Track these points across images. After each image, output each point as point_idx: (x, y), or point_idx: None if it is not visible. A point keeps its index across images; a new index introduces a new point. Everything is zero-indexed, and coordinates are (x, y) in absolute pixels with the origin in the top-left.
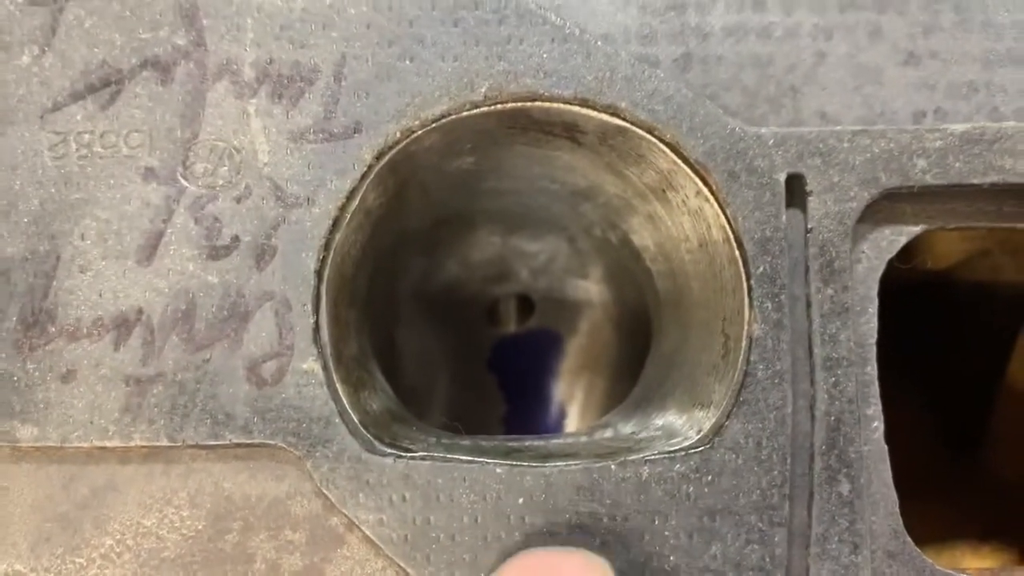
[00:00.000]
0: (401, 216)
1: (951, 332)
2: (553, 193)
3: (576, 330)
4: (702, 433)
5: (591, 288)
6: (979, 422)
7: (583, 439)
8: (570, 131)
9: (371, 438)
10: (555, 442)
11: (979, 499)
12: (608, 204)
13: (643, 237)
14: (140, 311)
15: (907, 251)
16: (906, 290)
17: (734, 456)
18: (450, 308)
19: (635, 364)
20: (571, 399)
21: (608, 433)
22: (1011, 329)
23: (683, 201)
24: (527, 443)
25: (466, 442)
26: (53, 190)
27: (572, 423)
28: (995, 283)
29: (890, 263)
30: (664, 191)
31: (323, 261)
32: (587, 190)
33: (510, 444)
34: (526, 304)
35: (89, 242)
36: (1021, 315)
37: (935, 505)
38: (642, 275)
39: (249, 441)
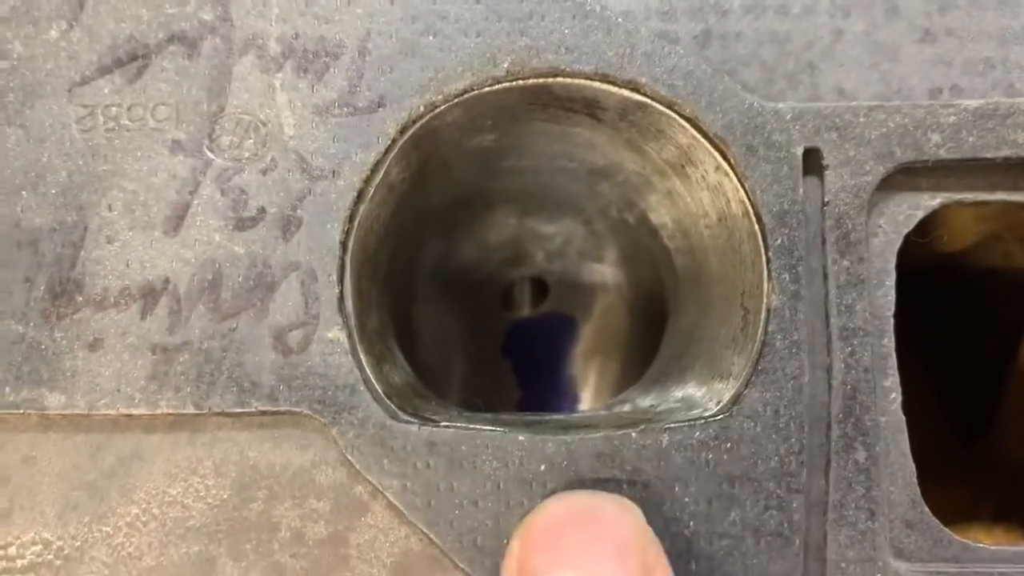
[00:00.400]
0: (422, 193)
1: (962, 316)
2: (571, 172)
3: (590, 313)
4: (721, 404)
5: (606, 271)
6: (989, 405)
7: (602, 412)
8: (590, 107)
9: (395, 407)
10: (575, 416)
11: (990, 481)
12: (627, 182)
13: (661, 215)
14: (167, 280)
15: (924, 226)
16: (918, 272)
17: (753, 424)
18: (466, 290)
19: (648, 347)
20: (585, 383)
21: (627, 407)
22: (1021, 315)
23: (702, 176)
24: (547, 417)
25: (487, 415)
26: (81, 162)
27: (586, 407)
28: (1006, 269)
29: (907, 238)
30: (683, 166)
31: (348, 233)
32: (606, 168)
33: (529, 418)
34: (540, 288)
35: (116, 213)
36: None
37: (946, 487)
38: (659, 254)
39: (275, 409)
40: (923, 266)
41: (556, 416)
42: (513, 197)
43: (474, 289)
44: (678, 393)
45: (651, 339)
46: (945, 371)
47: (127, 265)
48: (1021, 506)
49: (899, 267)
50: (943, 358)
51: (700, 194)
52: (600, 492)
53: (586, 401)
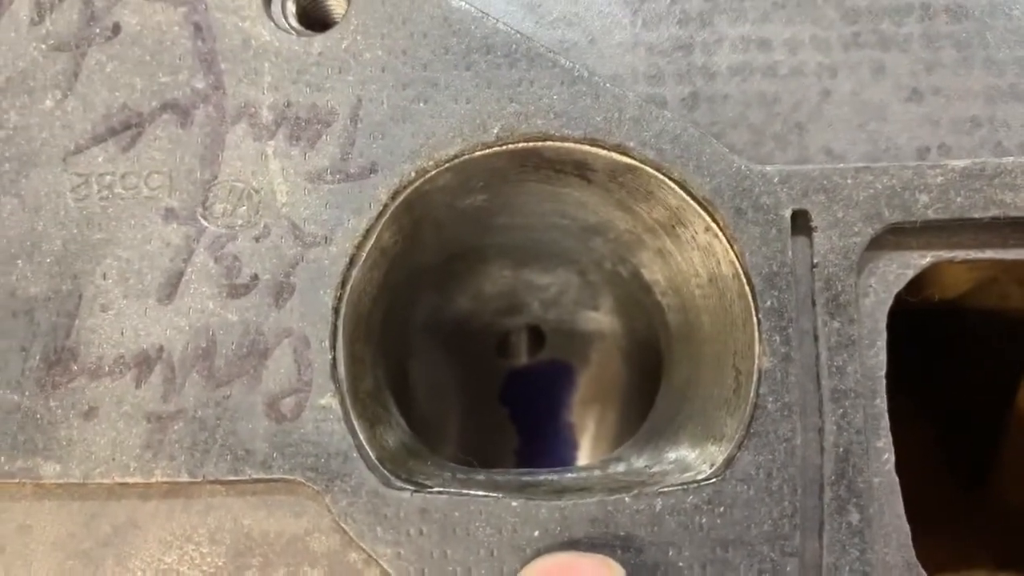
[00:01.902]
0: (415, 252)
1: (960, 361)
2: (564, 228)
3: (587, 361)
4: (715, 467)
5: (602, 320)
6: (989, 452)
7: (596, 473)
8: (580, 169)
9: (388, 473)
10: (569, 476)
11: (991, 529)
12: (618, 239)
13: (653, 272)
14: (161, 349)
15: (916, 284)
16: (916, 319)
17: (746, 487)
18: (462, 341)
19: (646, 395)
20: (583, 430)
21: (621, 467)
22: (1020, 357)
23: (692, 237)
24: (540, 477)
25: (480, 476)
26: (75, 230)
27: (584, 454)
28: (1004, 311)
29: (898, 296)
30: (674, 227)
31: (340, 298)
32: (597, 226)
33: (524, 479)
34: (537, 336)
35: (111, 281)
36: None
37: (947, 536)
38: (653, 309)
39: (269, 476)
40: (919, 312)
41: (550, 477)
42: (507, 251)
43: (470, 339)
44: (672, 454)
45: (648, 388)
46: (946, 415)
47: (122, 333)
48: (1022, 553)
49: (894, 315)
50: (943, 402)
51: (691, 254)
52: (585, 553)
53: (585, 448)
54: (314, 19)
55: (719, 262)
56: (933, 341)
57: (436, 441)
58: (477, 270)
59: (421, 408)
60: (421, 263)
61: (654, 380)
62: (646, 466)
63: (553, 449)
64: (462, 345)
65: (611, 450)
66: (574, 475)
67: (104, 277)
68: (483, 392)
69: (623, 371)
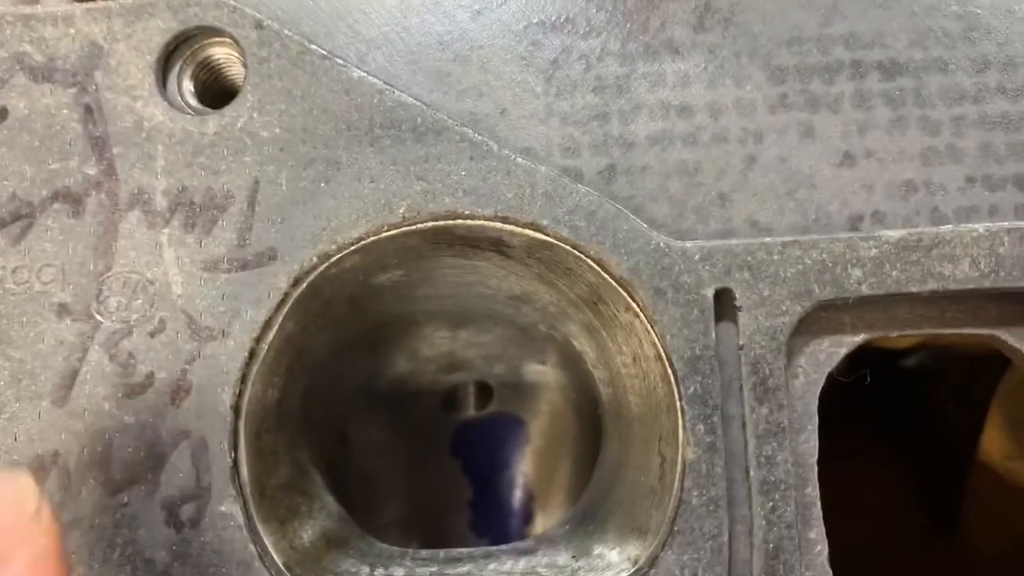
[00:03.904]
0: (331, 329)
1: (927, 401)
2: (490, 296)
3: (537, 412)
4: (638, 565)
5: (548, 372)
6: (957, 495)
7: (521, 564)
8: (496, 245)
9: None
10: (490, 568)
11: (959, 574)
12: (545, 310)
13: (582, 343)
14: (56, 454)
15: (853, 355)
16: (879, 358)
17: None
18: (404, 400)
19: (597, 446)
20: (538, 480)
21: (546, 559)
22: (985, 396)
23: (614, 315)
24: (463, 569)
25: (400, 572)
26: None
27: (539, 504)
28: (967, 348)
29: (830, 376)
30: (596, 303)
31: (240, 395)
32: (523, 296)
33: (446, 572)
34: (484, 389)
35: (3, 383)
36: (994, 380)
37: None
38: (589, 376)
39: None
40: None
41: (471, 570)
42: (438, 316)
43: (413, 398)
44: (597, 548)
45: (599, 440)
46: (914, 457)
47: (15, 439)
48: None
49: (861, 357)
50: (912, 444)
51: (615, 331)
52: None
53: (541, 497)
54: (216, 92)
55: (641, 342)
56: (899, 381)
57: (381, 500)
58: (411, 332)
59: (365, 470)
60: (344, 336)
61: (601, 436)
62: (573, 557)
63: (508, 500)
64: (405, 403)
65: (567, 500)
66: (496, 566)
67: None
68: (432, 446)
69: (574, 423)
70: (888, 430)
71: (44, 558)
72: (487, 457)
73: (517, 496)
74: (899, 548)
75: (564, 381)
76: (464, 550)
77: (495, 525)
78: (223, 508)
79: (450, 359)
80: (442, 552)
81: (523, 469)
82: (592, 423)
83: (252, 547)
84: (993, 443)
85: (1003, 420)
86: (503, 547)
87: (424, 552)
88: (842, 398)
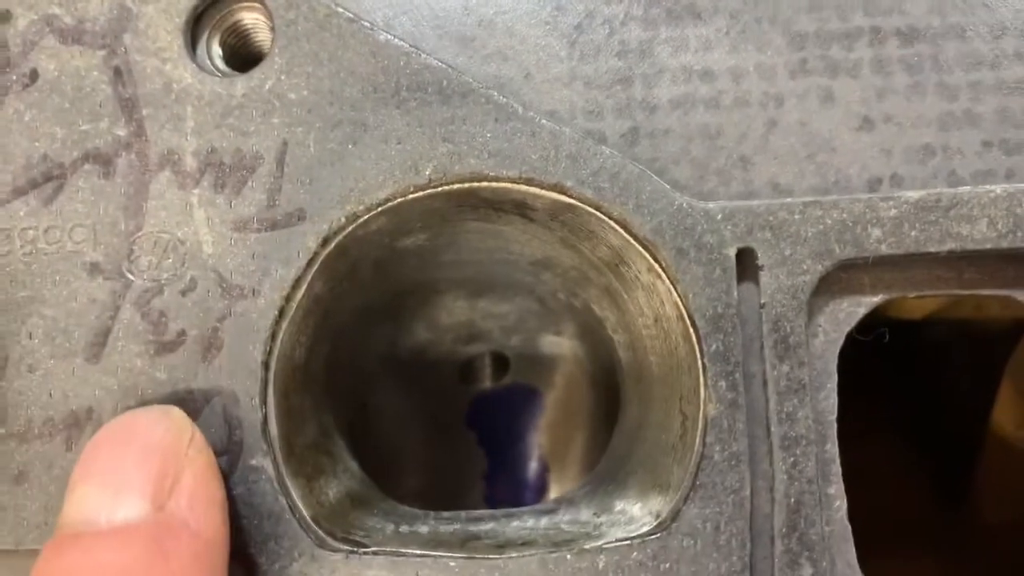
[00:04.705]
0: (357, 293)
1: (938, 373)
2: (512, 263)
3: (553, 384)
4: (660, 519)
5: (564, 344)
6: (968, 467)
7: (543, 522)
8: (520, 208)
9: (323, 533)
10: (513, 525)
11: (969, 546)
12: (566, 275)
13: (603, 308)
14: (90, 410)
15: (869, 321)
16: (892, 332)
17: (692, 542)
18: (423, 370)
19: (613, 418)
20: (552, 452)
21: (567, 517)
22: (997, 368)
23: (636, 276)
24: (486, 527)
25: (424, 528)
26: None
27: (555, 476)
28: (980, 321)
29: (849, 335)
30: (617, 266)
31: (270, 353)
32: (544, 261)
33: (470, 528)
34: (501, 361)
35: (37, 341)
36: (1007, 353)
37: (925, 553)
38: (608, 342)
39: None
40: (898, 324)
41: (495, 527)
42: (459, 284)
43: (431, 368)
44: (619, 504)
45: (614, 412)
46: (925, 429)
47: (50, 395)
48: (1000, 573)
49: (871, 329)
50: (922, 415)
51: (636, 293)
52: (151, 406)
53: (554, 469)
54: (244, 59)
55: (663, 303)
56: (911, 353)
57: (400, 471)
58: (431, 301)
59: (384, 439)
60: (367, 302)
61: (619, 404)
62: (594, 514)
63: (523, 472)
64: (423, 374)
65: (582, 472)
66: (519, 523)
67: (30, 337)
68: (449, 418)
69: (589, 394)
70: (899, 404)
71: (204, 473)
72: (502, 429)
73: (532, 468)
74: (909, 521)
75: (580, 352)
76: (485, 511)
77: (509, 498)
78: (254, 462)
79: (469, 329)
80: (464, 513)
81: (538, 441)
82: (607, 395)
83: (282, 499)
84: (1005, 415)
85: (1015, 392)
86: (523, 508)
87: (446, 513)
88: (853, 373)
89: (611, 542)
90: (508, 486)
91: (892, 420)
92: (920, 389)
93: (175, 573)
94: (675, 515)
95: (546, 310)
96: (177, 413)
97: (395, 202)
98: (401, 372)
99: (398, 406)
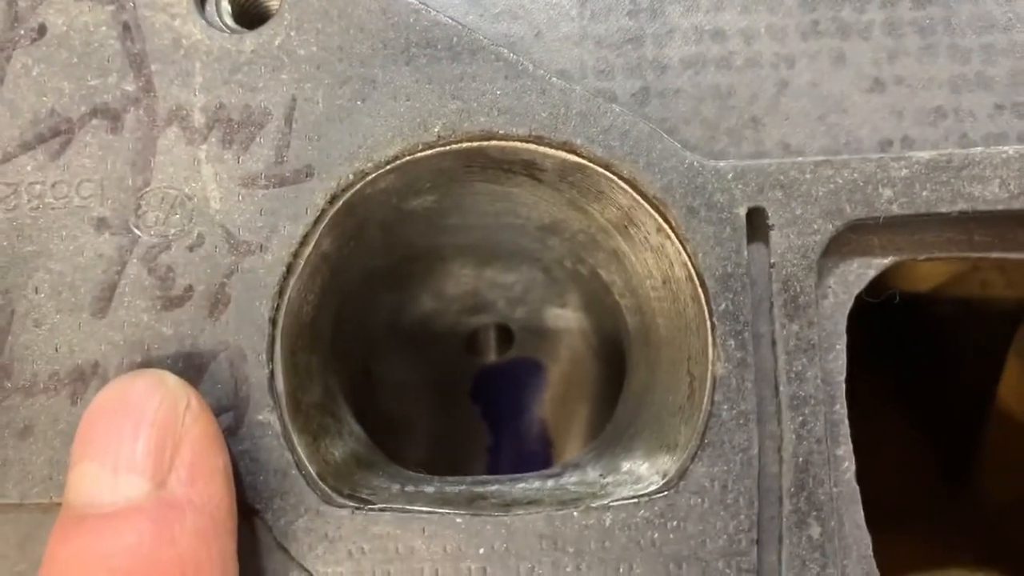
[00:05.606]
0: (364, 255)
1: (943, 351)
2: (519, 228)
3: (557, 358)
4: (667, 478)
5: (569, 316)
6: (972, 444)
7: (549, 483)
8: (529, 168)
9: (329, 490)
10: (519, 487)
11: (973, 523)
12: (574, 239)
13: (610, 272)
14: (96, 364)
15: (878, 284)
16: (896, 308)
17: (699, 500)
18: (427, 340)
19: (617, 391)
20: (556, 427)
21: (574, 478)
22: (1002, 346)
23: (645, 238)
24: (492, 488)
25: (430, 488)
26: (5, 243)
27: (558, 451)
28: (985, 298)
29: (859, 298)
30: (626, 227)
31: (277, 309)
32: (552, 225)
33: (475, 489)
34: (505, 333)
35: (43, 295)
36: (1011, 331)
37: (928, 531)
38: (614, 309)
39: None
40: (901, 300)
41: (501, 488)
42: (465, 251)
43: (437, 338)
44: (625, 465)
45: (618, 384)
46: (929, 406)
47: (56, 349)
48: (1004, 548)
49: (875, 305)
50: (924, 396)
51: (644, 255)
52: (144, 370)
53: (558, 443)
54: (253, 17)
55: (672, 264)
56: (915, 331)
57: (403, 442)
58: (437, 269)
59: (387, 408)
60: (373, 265)
61: (624, 377)
62: (601, 475)
63: (527, 446)
64: (429, 344)
65: (585, 446)
66: (524, 485)
67: (36, 291)
68: (453, 390)
69: (593, 367)
70: (904, 381)
71: (204, 439)
72: (506, 403)
73: (535, 442)
74: (913, 497)
75: (585, 325)
76: (491, 476)
77: (513, 472)
78: (260, 417)
79: (474, 299)
80: (469, 478)
81: (542, 415)
82: (612, 368)
83: (288, 455)
84: (1010, 390)
85: (1021, 369)
86: (529, 473)
87: (451, 478)
88: (859, 349)
89: (618, 500)
90: (511, 460)
91: (897, 397)
92: (925, 366)
93: (183, 554)
94: (683, 473)
95: (551, 280)
96: (172, 380)
97: (404, 160)
98: (406, 341)
99: (402, 376)
